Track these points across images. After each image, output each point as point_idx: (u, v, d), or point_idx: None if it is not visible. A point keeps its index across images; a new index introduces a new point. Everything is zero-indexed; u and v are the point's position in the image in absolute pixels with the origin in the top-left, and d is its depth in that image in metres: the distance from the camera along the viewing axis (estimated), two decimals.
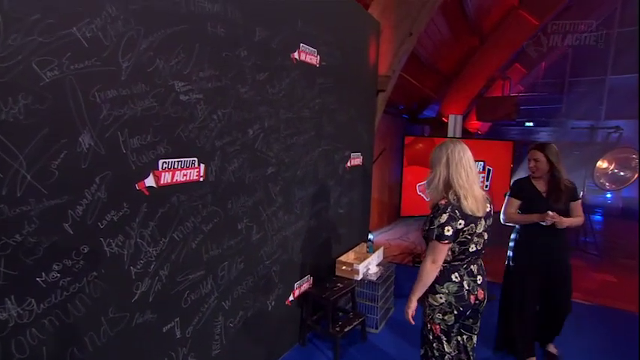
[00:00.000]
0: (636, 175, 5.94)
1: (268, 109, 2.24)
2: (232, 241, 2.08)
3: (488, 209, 1.73)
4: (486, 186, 3.70)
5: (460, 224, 1.61)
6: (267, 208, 2.32)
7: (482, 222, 1.69)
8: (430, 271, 1.65)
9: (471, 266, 1.74)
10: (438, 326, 1.74)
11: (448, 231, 1.60)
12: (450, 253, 1.68)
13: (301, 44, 2.49)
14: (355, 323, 2.73)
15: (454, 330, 1.77)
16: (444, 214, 1.60)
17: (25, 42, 1.13)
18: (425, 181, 1.81)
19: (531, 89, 10.26)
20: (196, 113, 1.77)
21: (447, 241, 1.61)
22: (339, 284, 2.86)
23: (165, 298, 1.70)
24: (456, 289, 1.69)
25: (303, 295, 2.79)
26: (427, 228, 1.68)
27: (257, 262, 2.30)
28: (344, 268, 3.01)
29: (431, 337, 1.77)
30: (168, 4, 1.58)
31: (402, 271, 4.20)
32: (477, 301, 1.74)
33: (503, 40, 7.07)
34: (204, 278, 1.91)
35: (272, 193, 2.36)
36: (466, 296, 1.70)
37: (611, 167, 5.93)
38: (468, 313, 1.75)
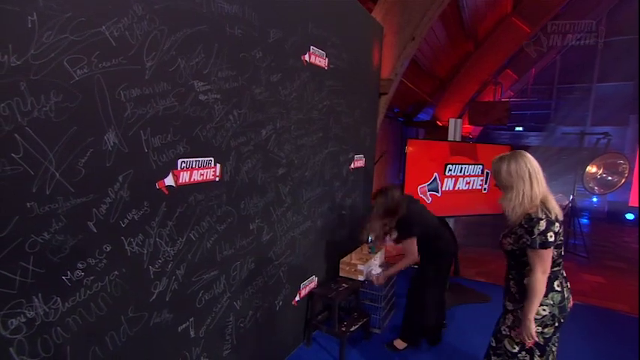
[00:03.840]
0: (623, 180, 6.14)
1: (280, 110, 2.26)
2: (244, 241, 2.08)
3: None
4: (485, 189, 3.79)
5: (556, 227, 1.56)
6: (277, 209, 2.34)
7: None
8: (543, 282, 1.56)
9: (563, 271, 1.67)
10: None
11: (551, 237, 1.53)
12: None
13: (311, 47, 2.51)
14: (360, 323, 2.76)
15: (550, 344, 1.65)
16: (542, 221, 1.54)
17: (58, 40, 1.13)
18: (504, 201, 1.69)
19: (521, 95, 10.50)
20: (214, 113, 1.77)
21: (551, 248, 1.55)
22: (344, 284, 2.88)
23: (181, 297, 1.70)
24: (559, 298, 1.61)
25: (309, 295, 2.81)
26: (529, 240, 1.57)
27: (267, 263, 2.30)
28: (348, 268, 3.03)
29: (517, 350, 1.66)
30: (190, 4, 1.58)
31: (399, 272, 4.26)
32: (569, 309, 1.66)
33: (496, 46, 7.24)
34: (217, 278, 1.91)
35: (282, 194, 2.37)
36: (566, 305, 1.62)
37: (600, 172, 6.12)
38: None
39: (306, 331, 2.83)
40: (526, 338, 1.61)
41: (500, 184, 1.73)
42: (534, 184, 1.61)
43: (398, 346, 2.82)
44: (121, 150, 1.36)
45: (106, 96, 1.29)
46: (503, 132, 10.28)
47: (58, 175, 1.17)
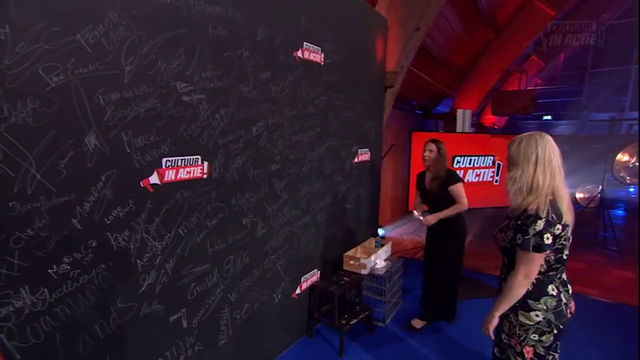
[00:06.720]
0: None
1: (272, 107, 2.29)
2: (237, 236, 2.14)
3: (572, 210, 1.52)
4: (496, 180, 3.66)
5: (558, 229, 1.41)
6: (272, 204, 2.38)
7: (570, 226, 1.49)
8: (521, 286, 1.48)
9: (563, 275, 1.55)
10: (531, 349, 1.53)
11: (548, 239, 1.40)
12: (544, 262, 1.48)
13: (305, 42, 2.52)
14: (361, 316, 2.77)
15: (551, 352, 1.54)
16: (540, 221, 1.39)
17: (32, 49, 1.21)
18: (507, 180, 1.57)
19: (550, 82, 9.97)
20: (199, 113, 1.83)
21: (547, 252, 1.42)
22: (345, 278, 2.89)
23: (171, 289, 1.78)
24: (554, 304, 1.49)
25: (311, 289, 2.84)
26: (520, 239, 1.45)
27: (263, 257, 2.35)
28: (351, 262, 3.04)
29: None
30: (169, 9, 1.64)
31: (413, 265, 4.21)
32: (570, 315, 1.54)
33: (518, 32, 6.91)
34: (209, 271, 1.98)
35: (277, 189, 2.41)
36: (564, 311, 1.50)
37: (632, 160, 5.72)
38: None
39: (309, 324, 2.87)
40: (484, 329, 1.60)
41: (508, 163, 1.60)
42: (539, 170, 1.45)
43: (416, 325, 3.00)
44: (102, 151, 1.44)
45: (84, 101, 1.37)
46: (530, 122, 9.83)
47: (38, 176, 1.26)
